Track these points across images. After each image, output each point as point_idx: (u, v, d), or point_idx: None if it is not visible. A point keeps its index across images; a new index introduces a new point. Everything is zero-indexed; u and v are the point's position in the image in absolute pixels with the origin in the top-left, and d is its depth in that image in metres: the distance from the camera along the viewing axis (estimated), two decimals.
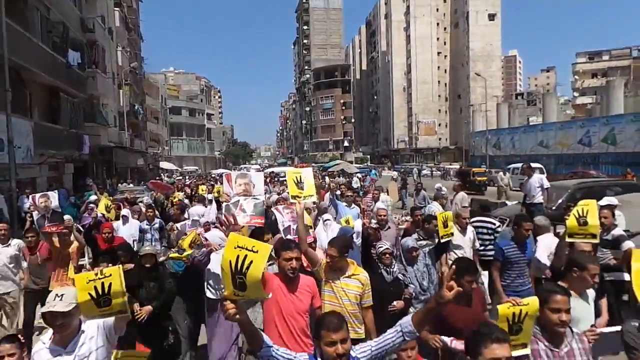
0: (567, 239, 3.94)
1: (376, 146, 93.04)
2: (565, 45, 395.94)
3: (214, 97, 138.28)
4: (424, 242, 5.59)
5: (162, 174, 42.84)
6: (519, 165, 27.59)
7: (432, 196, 11.90)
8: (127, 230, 7.60)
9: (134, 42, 42.75)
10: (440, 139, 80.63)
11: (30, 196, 6.11)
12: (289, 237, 4.63)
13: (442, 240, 5.40)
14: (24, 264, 5.74)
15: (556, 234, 5.96)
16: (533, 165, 25.92)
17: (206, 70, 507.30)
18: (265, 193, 8.54)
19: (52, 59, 17.95)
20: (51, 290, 4.83)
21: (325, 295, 3.76)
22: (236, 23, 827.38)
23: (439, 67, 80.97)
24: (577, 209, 3.87)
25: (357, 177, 23.48)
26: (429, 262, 4.92)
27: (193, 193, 15.93)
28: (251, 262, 2.09)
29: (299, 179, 4.11)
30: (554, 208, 9.48)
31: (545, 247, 4.99)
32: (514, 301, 2.50)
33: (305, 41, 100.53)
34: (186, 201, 12.72)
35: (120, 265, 2.93)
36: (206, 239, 4.60)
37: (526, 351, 2.47)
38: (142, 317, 4.29)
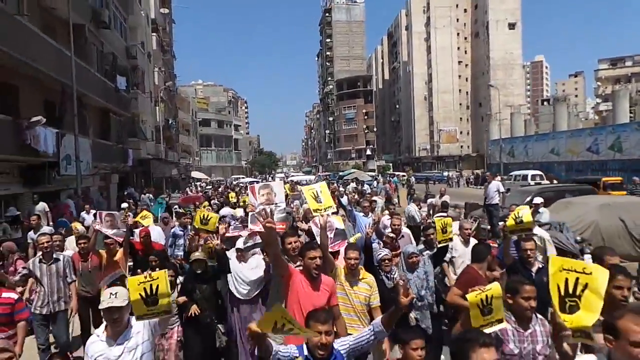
0: (510, 235, 4.73)
1: (398, 154, 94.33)
2: (596, 50, 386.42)
3: (241, 107, 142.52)
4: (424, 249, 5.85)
5: (192, 183, 45.77)
6: (527, 172, 29.19)
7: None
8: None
9: (168, 62, 46.16)
10: (462, 146, 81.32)
11: (98, 213, 6.07)
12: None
13: (440, 245, 5.47)
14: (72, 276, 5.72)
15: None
16: (533, 172, 27.52)
17: (233, 81, 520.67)
18: (290, 203, 9.73)
19: (105, 85, 20.99)
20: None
21: (337, 297, 4.03)
22: (262, 36, 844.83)
23: (459, 75, 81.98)
24: (514, 213, 4.77)
25: (368, 185, 25.68)
26: (428, 270, 5.05)
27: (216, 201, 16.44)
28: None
29: (316, 194, 4.32)
30: None
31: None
32: (479, 288, 2.79)
33: (328, 53, 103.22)
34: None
35: (166, 270, 3.26)
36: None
37: (503, 325, 2.78)
38: (191, 313, 4.63)
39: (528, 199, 12.08)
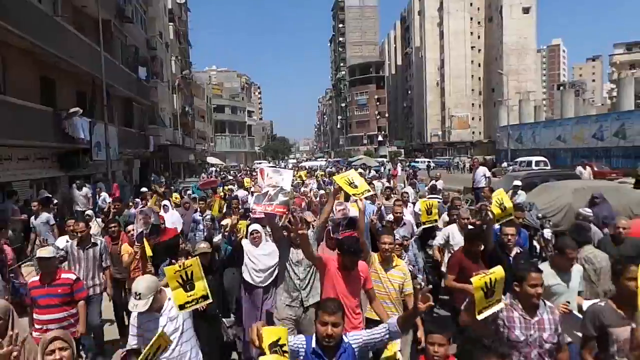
0: (496, 224, 4.64)
1: (410, 140, 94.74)
2: (616, 33, 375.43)
3: (254, 93, 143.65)
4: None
5: (207, 168, 47.39)
6: (531, 158, 30.10)
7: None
8: (169, 218, 8.16)
9: (184, 50, 47.41)
10: (473, 132, 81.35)
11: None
12: (336, 234, 4.75)
13: (425, 226, 5.80)
14: (107, 262, 5.73)
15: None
16: (537, 159, 28.44)
17: (246, 66, 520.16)
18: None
19: (128, 76, 22.46)
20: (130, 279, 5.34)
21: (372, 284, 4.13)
22: (275, 21, 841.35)
23: (472, 61, 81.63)
24: (495, 199, 4.63)
25: (375, 171, 26.98)
26: (416, 251, 5.41)
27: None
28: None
29: (350, 180, 4.49)
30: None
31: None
32: (483, 272, 2.83)
33: (341, 39, 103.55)
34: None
35: (197, 257, 3.57)
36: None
37: (501, 305, 2.85)
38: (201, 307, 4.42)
39: (514, 184, 13.44)
